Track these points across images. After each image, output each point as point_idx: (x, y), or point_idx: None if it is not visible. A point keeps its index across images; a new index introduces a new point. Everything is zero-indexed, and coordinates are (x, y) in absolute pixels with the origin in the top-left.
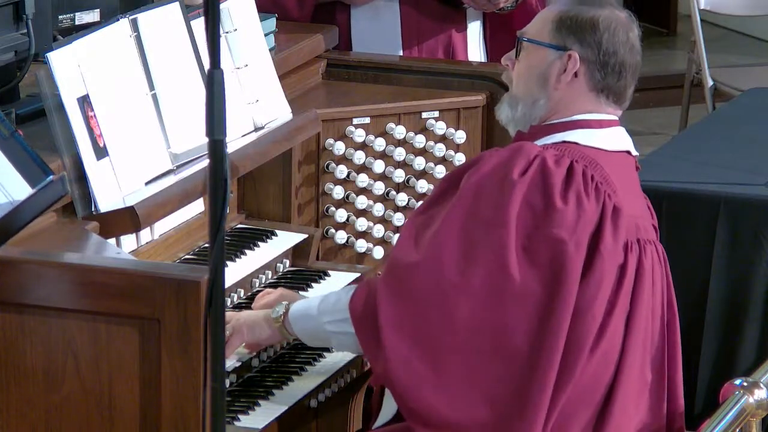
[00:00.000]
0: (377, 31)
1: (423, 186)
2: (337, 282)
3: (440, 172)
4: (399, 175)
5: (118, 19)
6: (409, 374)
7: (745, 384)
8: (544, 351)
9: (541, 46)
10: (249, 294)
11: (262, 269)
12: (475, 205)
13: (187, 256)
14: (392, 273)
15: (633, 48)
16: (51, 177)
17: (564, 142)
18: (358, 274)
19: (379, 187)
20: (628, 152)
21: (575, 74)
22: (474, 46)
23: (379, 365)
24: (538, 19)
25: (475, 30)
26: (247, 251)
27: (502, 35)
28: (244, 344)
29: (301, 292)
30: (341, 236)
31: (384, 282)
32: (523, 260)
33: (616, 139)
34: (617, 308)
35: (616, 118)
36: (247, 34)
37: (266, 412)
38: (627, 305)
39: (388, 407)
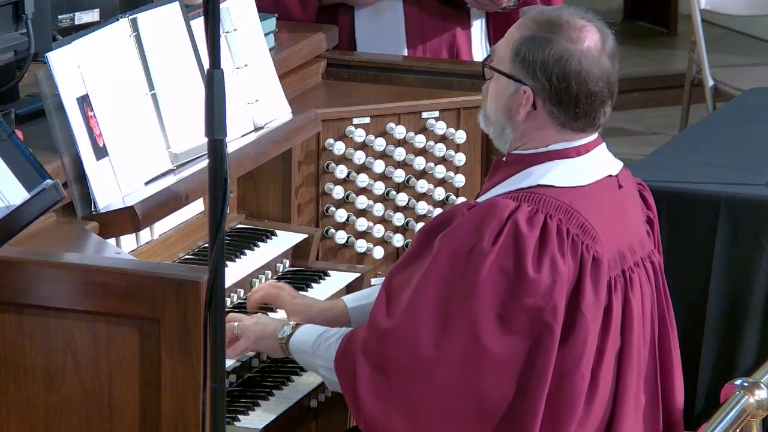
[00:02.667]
0: (381, 32)
1: (423, 186)
2: (337, 282)
3: (440, 172)
4: (399, 175)
5: (117, 19)
6: None
7: (745, 384)
8: (524, 417)
9: (501, 75)
10: (249, 294)
11: (262, 269)
12: (448, 274)
13: (187, 256)
14: (370, 337)
15: (588, 77)
16: (46, 181)
17: (539, 186)
18: (358, 274)
19: (379, 187)
20: (611, 174)
21: (534, 107)
22: (477, 45)
23: (361, 423)
24: (505, 40)
25: (477, 29)
26: (247, 251)
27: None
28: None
29: (301, 293)
30: (341, 236)
31: (362, 348)
32: (498, 329)
33: (595, 166)
34: (607, 353)
35: (595, 137)
36: (247, 34)
37: (266, 412)
38: (617, 343)
39: None
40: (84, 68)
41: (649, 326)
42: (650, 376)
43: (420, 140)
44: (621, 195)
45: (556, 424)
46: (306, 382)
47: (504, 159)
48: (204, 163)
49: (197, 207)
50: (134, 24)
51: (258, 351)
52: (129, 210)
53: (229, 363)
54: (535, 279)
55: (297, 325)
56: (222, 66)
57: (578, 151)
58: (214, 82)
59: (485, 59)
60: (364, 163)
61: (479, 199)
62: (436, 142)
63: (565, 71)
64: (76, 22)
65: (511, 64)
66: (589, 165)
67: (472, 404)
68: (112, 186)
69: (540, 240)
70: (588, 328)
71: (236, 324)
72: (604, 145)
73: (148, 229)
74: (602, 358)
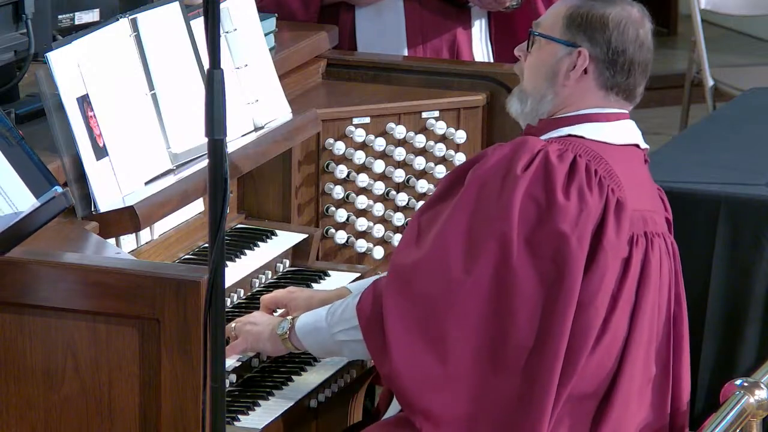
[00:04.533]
0: (382, 32)
1: (423, 186)
2: (337, 282)
3: (440, 172)
4: (399, 175)
5: (117, 19)
6: (416, 371)
7: (745, 384)
8: (549, 345)
9: (552, 41)
10: (249, 294)
11: (262, 269)
12: (479, 200)
13: (187, 256)
14: (397, 272)
15: (642, 45)
16: (55, 188)
17: (570, 135)
18: (358, 274)
19: (379, 187)
20: (637, 146)
21: (585, 71)
22: (478, 45)
23: (385, 366)
24: (551, 13)
25: (478, 29)
26: (247, 251)
27: (506, 34)
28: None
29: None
30: (341, 236)
31: (389, 281)
32: (526, 254)
33: (623, 132)
34: (621, 302)
35: (626, 112)
36: (247, 34)
37: (266, 412)
38: (632, 299)
39: (396, 407)
40: (84, 68)
41: (666, 299)
42: (663, 351)
43: (420, 140)
44: (646, 169)
45: (566, 355)
46: (306, 382)
47: (536, 126)
48: (204, 163)
49: (197, 207)
50: (134, 24)
51: (257, 351)
52: (129, 210)
53: (229, 363)
54: (564, 205)
55: (295, 318)
56: (222, 66)
57: (608, 118)
58: (214, 82)
59: (532, 29)
60: (364, 163)
61: None
62: (436, 142)
63: (624, 35)
64: (76, 22)
65: (564, 29)
66: (618, 130)
67: (498, 331)
68: (112, 186)
69: (569, 172)
70: (607, 265)
71: (233, 324)
72: (632, 122)
73: (148, 229)
74: (616, 305)
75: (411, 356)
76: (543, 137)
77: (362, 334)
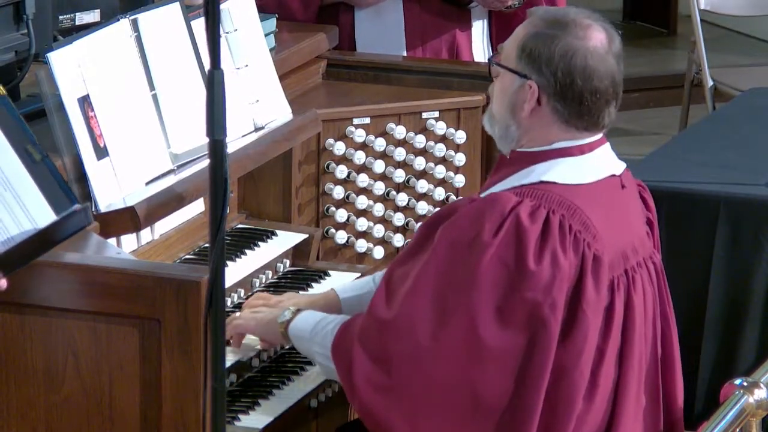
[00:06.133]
0: (381, 32)
1: (423, 186)
2: (338, 282)
3: (440, 172)
4: (399, 175)
5: (118, 19)
6: (383, 422)
7: (745, 384)
8: (523, 411)
9: (507, 71)
10: (249, 294)
11: (262, 269)
12: (448, 266)
13: (187, 256)
14: (368, 329)
15: (593, 75)
16: (75, 206)
17: (542, 182)
18: (358, 274)
19: (379, 187)
20: (614, 174)
21: (539, 103)
22: (478, 45)
23: (355, 404)
24: (512, 39)
25: (479, 30)
26: (247, 251)
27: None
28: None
29: (301, 292)
30: (341, 236)
31: (360, 336)
32: (497, 322)
33: (598, 165)
34: (608, 352)
35: (599, 137)
36: (248, 35)
37: (266, 412)
38: (618, 343)
39: None
40: (85, 68)
41: (651, 326)
42: (651, 376)
43: (420, 140)
44: (623, 195)
45: (553, 421)
46: (306, 381)
47: (508, 156)
48: (204, 163)
49: (198, 207)
50: (135, 24)
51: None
52: (130, 210)
53: (229, 363)
54: (535, 272)
55: (297, 311)
56: (222, 66)
57: (581, 150)
58: (214, 82)
59: (491, 57)
60: (364, 163)
61: (482, 195)
62: (436, 143)
63: (570, 67)
64: (77, 23)
65: (517, 60)
66: (592, 163)
67: (469, 397)
68: (113, 186)
69: (542, 234)
70: (588, 326)
71: (236, 320)
72: (608, 144)
73: (148, 229)
74: (603, 358)
75: (381, 413)
76: (515, 178)
77: (338, 377)
